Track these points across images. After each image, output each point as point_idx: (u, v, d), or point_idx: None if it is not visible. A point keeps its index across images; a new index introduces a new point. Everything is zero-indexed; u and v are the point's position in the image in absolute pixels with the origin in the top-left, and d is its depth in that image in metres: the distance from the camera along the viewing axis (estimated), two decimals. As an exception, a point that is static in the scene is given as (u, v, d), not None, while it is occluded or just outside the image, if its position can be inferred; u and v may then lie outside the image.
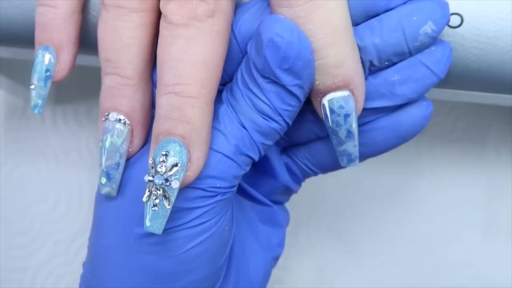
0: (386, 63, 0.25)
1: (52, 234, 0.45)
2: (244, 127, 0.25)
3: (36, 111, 0.27)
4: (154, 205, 0.23)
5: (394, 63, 0.25)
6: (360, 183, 0.45)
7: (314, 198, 0.45)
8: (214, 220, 0.25)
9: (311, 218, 0.45)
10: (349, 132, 0.25)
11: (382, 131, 0.27)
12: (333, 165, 0.29)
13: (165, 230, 0.24)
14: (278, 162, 0.30)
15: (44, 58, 0.26)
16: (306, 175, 0.31)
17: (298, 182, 0.31)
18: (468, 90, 0.29)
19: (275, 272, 0.33)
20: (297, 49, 0.23)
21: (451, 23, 0.26)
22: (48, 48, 0.26)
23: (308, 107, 0.26)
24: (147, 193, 0.23)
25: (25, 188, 0.46)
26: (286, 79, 0.23)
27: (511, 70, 0.27)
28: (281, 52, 0.23)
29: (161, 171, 0.23)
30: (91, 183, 0.46)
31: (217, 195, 0.25)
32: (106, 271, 0.26)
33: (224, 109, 0.25)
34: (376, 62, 0.25)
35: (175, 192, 0.23)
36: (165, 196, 0.23)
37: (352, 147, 0.26)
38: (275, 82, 0.24)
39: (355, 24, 0.25)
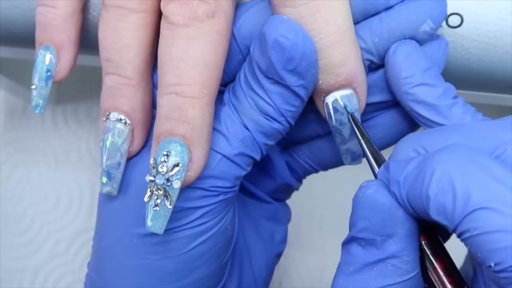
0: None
1: (52, 234, 0.45)
2: (247, 128, 0.25)
3: (37, 111, 0.27)
4: (156, 205, 0.23)
5: None
6: (361, 182, 0.45)
7: (315, 198, 0.45)
8: (216, 219, 0.25)
9: (311, 217, 0.45)
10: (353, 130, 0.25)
11: (383, 127, 0.27)
12: (334, 162, 0.29)
13: (168, 230, 0.24)
14: (278, 160, 0.30)
15: (45, 58, 0.27)
16: (307, 172, 0.31)
17: (299, 179, 0.31)
18: (468, 90, 0.29)
19: (275, 271, 0.33)
20: (302, 50, 0.23)
21: (451, 23, 0.26)
22: (49, 48, 0.27)
23: (309, 106, 0.26)
24: (148, 193, 0.23)
25: (25, 188, 0.46)
26: (291, 79, 0.23)
27: (511, 70, 0.27)
28: (286, 53, 0.23)
29: (163, 171, 0.23)
30: (91, 183, 0.46)
31: (219, 195, 0.25)
32: (110, 271, 0.26)
33: (225, 110, 0.25)
34: (376, 61, 0.25)
35: (177, 192, 0.23)
36: (166, 196, 0.23)
37: (355, 145, 0.26)
38: (279, 83, 0.24)
39: (355, 22, 0.25)
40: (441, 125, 0.24)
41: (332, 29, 0.23)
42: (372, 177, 0.24)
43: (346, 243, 0.23)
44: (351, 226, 0.23)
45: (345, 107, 0.25)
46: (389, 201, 0.22)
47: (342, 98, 0.25)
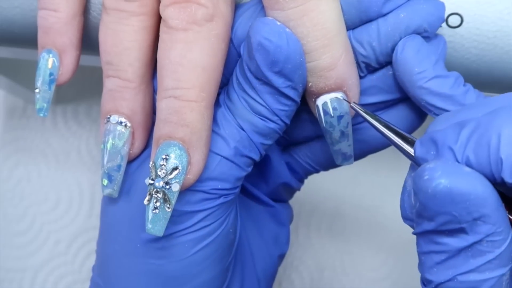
0: (384, 64, 0.26)
1: (52, 234, 0.46)
2: (242, 129, 0.25)
3: (41, 115, 0.27)
4: (155, 208, 0.24)
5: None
6: (360, 183, 0.45)
7: (314, 197, 0.45)
8: (218, 222, 0.26)
9: (311, 217, 0.45)
10: (343, 133, 0.26)
11: None
12: (334, 162, 0.30)
13: (170, 234, 0.25)
14: (279, 161, 0.31)
15: (47, 62, 0.27)
16: (308, 173, 0.31)
17: (300, 179, 0.32)
18: (468, 90, 0.30)
19: (276, 271, 0.33)
20: (286, 52, 0.23)
21: (451, 23, 0.27)
22: (51, 52, 0.27)
23: (306, 107, 0.27)
24: (148, 196, 0.24)
25: (25, 188, 0.46)
26: (278, 81, 0.24)
27: (511, 70, 0.27)
28: (270, 55, 0.23)
29: (162, 174, 0.24)
30: (91, 183, 0.46)
31: (220, 197, 0.25)
32: (115, 275, 0.27)
33: (221, 112, 0.26)
34: (373, 64, 0.26)
35: (175, 195, 0.24)
36: (165, 199, 0.24)
37: (346, 146, 0.27)
38: (268, 83, 0.24)
39: (351, 28, 0.25)
40: None
41: (320, 33, 0.24)
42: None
43: (426, 233, 0.22)
44: (426, 219, 0.22)
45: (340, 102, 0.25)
46: (468, 188, 0.20)
47: (332, 101, 0.25)
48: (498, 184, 0.21)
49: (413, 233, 0.23)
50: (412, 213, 0.24)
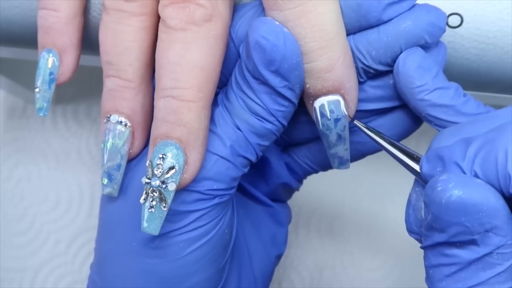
0: (383, 72, 0.26)
1: (52, 234, 0.46)
2: (239, 129, 0.25)
3: (41, 114, 0.27)
4: (151, 207, 0.24)
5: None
6: (360, 183, 0.46)
7: (314, 197, 0.45)
8: (213, 223, 0.26)
9: (310, 217, 0.46)
10: (340, 136, 0.26)
11: (380, 129, 0.28)
12: None
13: (165, 234, 0.25)
14: (278, 162, 0.31)
15: (47, 61, 0.27)
16: (307, 173, 0.32)
17: (299, 180, 0.32)
18: (468, 90, 0.30)
19: (274, 272, 0.33)
20: (282, 51, 0.23)
21: (451, 23, 0.27)
22: (51, 51, 0.27)
23: (305, 108, 0.27)
24: (144, 195, 0.24)
25: (25, 188, 0.46)
26: (274, 81, 0.24)
27: (511, 70, 0.28)
28: (267, 54, 0.23)
29: (158, 174, 0.24)
30: (91, 183, 0.46)
31: (215, 198, 0.26)
32: (111, 273, 0.27)
33: (219, 111, 0.26)
34: (373, 71, 0.26)
35: (172, 194, 0.24)
36: (161, 198, 0.24)
37: (343, 150, 0.27)
38: (265, 83, 0.24)
39: (352, 32, 0.25)
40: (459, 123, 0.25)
41: (318, 35, 0.24)
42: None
43: (436, 246, 0.22)
44: (438, 230, 0.22)
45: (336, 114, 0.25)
46: (482, 199, 0.21)
47: (329, 104, 0.25)
48: (506, 199, 0.21)
49: (421, 247, 0.23)
50: (417, 226, 0.24)
